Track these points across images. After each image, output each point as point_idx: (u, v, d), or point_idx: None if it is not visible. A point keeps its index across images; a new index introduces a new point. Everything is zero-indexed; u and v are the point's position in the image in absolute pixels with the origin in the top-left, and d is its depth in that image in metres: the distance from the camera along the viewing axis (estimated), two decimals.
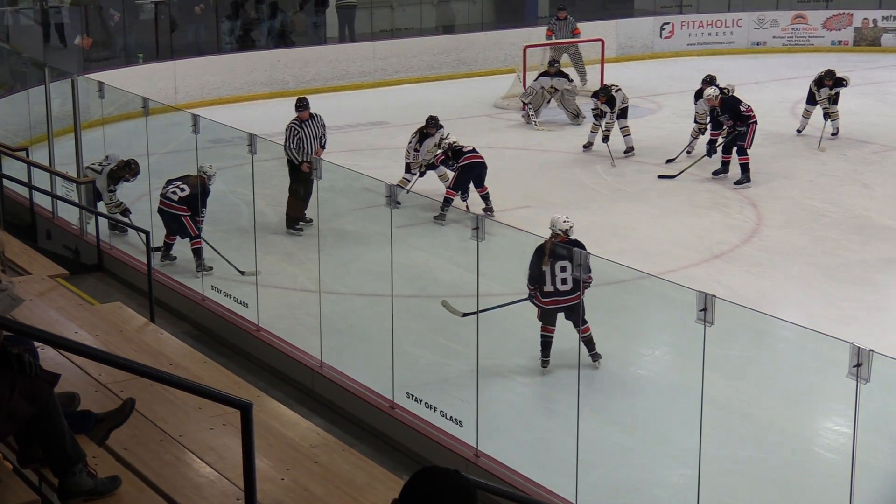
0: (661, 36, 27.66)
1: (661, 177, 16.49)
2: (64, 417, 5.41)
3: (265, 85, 22.74)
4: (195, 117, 12.54)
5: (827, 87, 18.57)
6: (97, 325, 8.62)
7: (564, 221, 10.74)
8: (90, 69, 19.86)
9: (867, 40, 27.31)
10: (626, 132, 18.10)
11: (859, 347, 7.06)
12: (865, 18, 27.32)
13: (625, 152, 18.09)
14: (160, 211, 13.10)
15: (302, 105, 14.66)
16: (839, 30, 27.55)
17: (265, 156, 15.97)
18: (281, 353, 10.93)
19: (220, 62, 23.30)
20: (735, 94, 16.95)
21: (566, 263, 10.12)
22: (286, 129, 14.69)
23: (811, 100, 18.86)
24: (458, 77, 25.18)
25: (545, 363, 10.40)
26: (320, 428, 7.77)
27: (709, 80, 17.99)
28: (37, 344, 5.93)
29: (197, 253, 12.94)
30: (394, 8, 26.85)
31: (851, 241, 14.63)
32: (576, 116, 20.88)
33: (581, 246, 10.16)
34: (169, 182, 13.19)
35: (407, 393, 9.75)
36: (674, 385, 10.35)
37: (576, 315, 10.10)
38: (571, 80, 20.88)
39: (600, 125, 18.00)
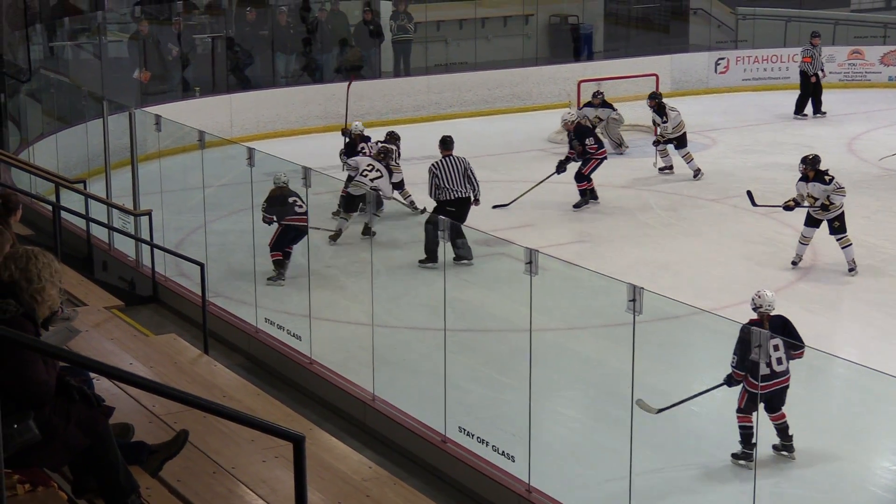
0: (716, 71, 27.44)
1: (494, 207, 16.46)
2: (118, 448, 5.45)
3: (320, 118, 22.82)
4: (250, 150, 12.61)
5: None
6: (151, 357, 8.71)
7: (770, 296, 10.02)
8: (147, 102, 20.04)
9: None
10: (688, 158, 18.34)
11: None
12: None
13: (694, 177, 18.33)
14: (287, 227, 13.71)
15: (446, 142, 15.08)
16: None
17: (320, 189, 16.11)
18: (333, 386, 10.93)
19: (276, 96, 23.44)
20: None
21: (778, 342, 9.55)
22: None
23: None
24: (512, 111, 25.17)
25: (748, 457, 9.54)
26: (372, 461, 7.92)
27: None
28: (92, 375, 5.98)
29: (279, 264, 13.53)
30: (448, 42, 26.93)
31: None
32: (619, 145, 20.90)
33: (787, 321, 9.82)
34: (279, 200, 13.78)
35: (459, 427, 9.71)
36: (728, 421, 10.28)
37: (781, 398, 9.62)
38: (616, 110, 20.90)
39: (664, 149, 18.59)
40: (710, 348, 12.20)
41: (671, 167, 18.82)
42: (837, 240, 13.74)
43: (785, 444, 9.53)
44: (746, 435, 9.53)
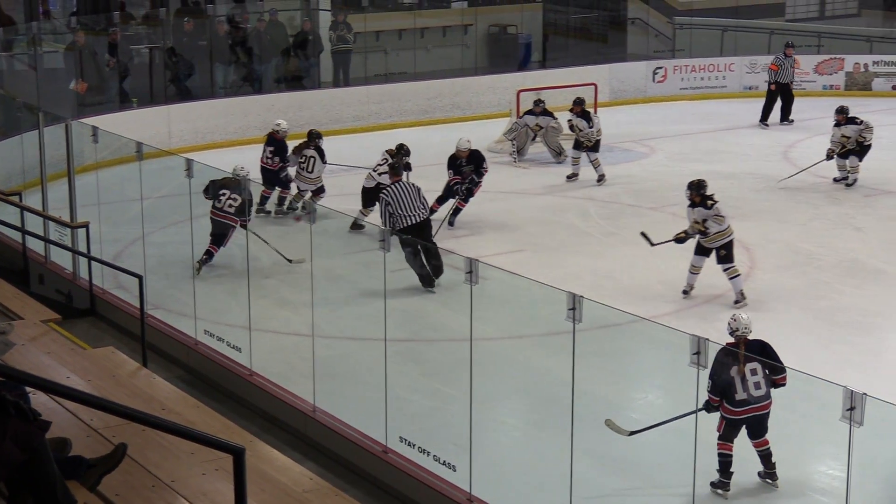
0: (653, 80, 27.70)
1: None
2: (55, 463, 5.39)
3: (259, 129, 22.51)
4: (189, 161, 12.57)
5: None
6: (89, 370, 8.64)
7: (746, 319, 9.75)
8: (84, 114, 19.91)
9: (858, 85, 27.40)
10: (596, 163, 18.73)
11: (852, 391, 7.14)
12: (857, 63, 27.42)
13: (597, 180, 18.67)
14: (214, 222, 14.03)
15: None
16: (830, 74, 27.62)
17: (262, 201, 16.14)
18: (274, 398, 10.92)
19: (214, 106, 23.36)
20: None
21: (756, 366, 9.36)
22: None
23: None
24: (451, 121, 25.22)
25: (726, 487, 9.39)
26: (313, 472, 7.90)
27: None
28: (28, 389, 5.91)
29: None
30: (387, 52, 26.95)
31: (845, 284, 14.70)
32: (558, 154, 21.01)
33: (766, 345, 9.58)
34: (219, 192, 13.96)
35: (400, 437, 9.71)
36: (667, 428, 10.33)
37: (763, 424, 9.44)
38: (556, 118, 20.99)
39: (579, 157, 18.82)
40: (651, 356, 12.32)
41: (577, 175, 19.04)
42: (724, 270, 13.43)
43: (768, 471, 9.45)
44: (725, 463, 9.43)
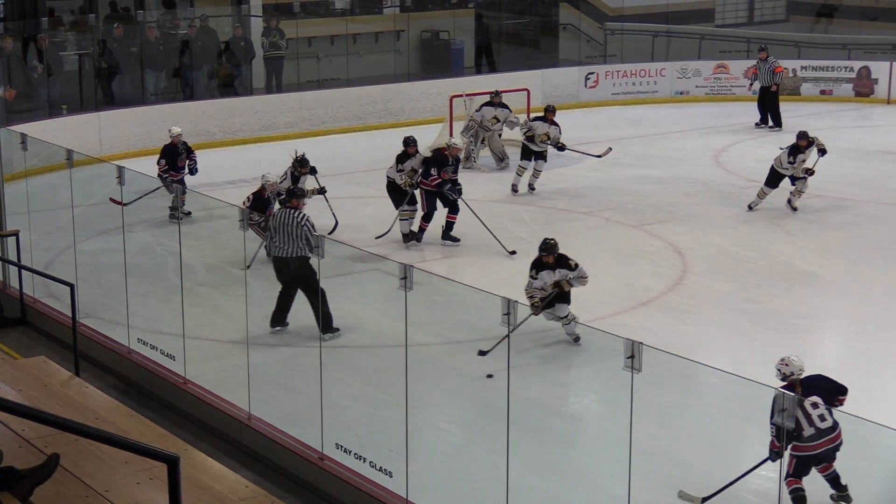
0: (585, 86, 27.89)
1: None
2: None
3: (190, 136, 22.41)
4: (120, 169, 12.51)
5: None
6: (20, 380, 8.58)
7: (798, 361, 9.44)
8: (13, 121, 19.73)
9: (787, 90, 27.61)
10: (538, 174, 18.83)
11: (784, 393, 7.21)
12: (785, 68, 27.67)
13: (529, 188, 18.88)
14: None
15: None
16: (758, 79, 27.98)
17: (192, 207, 16.05)
18: (208, 406, 10.90)
19: (145, 113, 23.23)
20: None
21: (816, 399, 9.13)
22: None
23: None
24: (384, 127, 25.24)
25: None
26: (249, 480, 7.87)
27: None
28: None
29: None
30: (320, 58, 27.01)
31: (776, 287, 14.89)
32: (501, 160, 21.08)
33: (822, 378, 9.43)
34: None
35: (336, 444, 9.73)
36: (603, 433, 10.39)
37: (834, 455, 9.21)
38: (511, 111, 21.06)
39: (526, 167, 18.70)
40: (585, 360, 12.41)
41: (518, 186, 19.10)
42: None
43: (840, 494, 9.34)
44: (799, 497, 9.22)
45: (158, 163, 16.89)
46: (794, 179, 17.54)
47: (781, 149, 17.59)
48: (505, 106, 20.99)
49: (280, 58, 25.76)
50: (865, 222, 18.18)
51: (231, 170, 20.85)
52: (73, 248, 13.93)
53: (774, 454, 8.87)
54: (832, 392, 9.20)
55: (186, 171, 17.20)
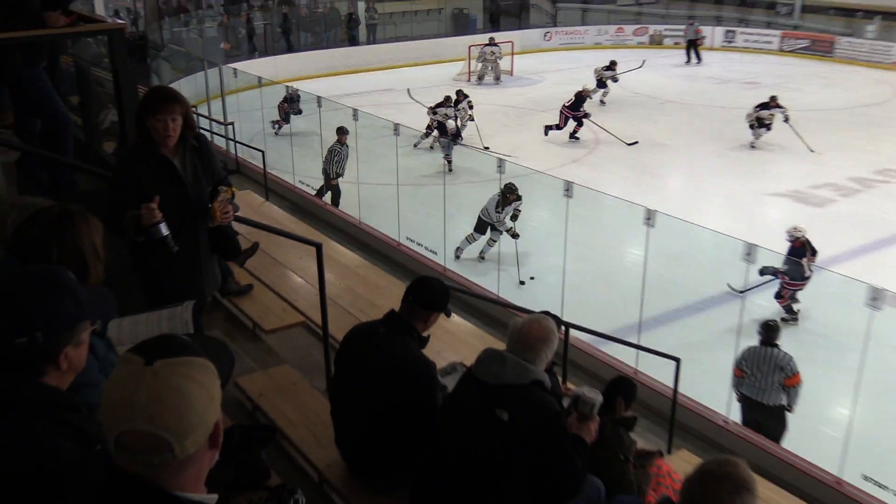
0: (544, 39, 29.22)
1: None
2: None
3: (324, 70, 24.42)
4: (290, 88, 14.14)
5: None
6: (238, 202, 6.95)
7: (803, 227, 9.68)
8: (229, 61, 20.60)
9: (656, 42, 29.47)
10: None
11: (648, 209, 7.86)
12: (655, 29, 29.37)
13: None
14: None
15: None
16: (641, 36, 29.56)
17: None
18: (335, 215, 11.93)
19: (300, 57, 24.65)
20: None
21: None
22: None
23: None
24: (433, 63, 26.57)
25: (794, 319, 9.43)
26: (360, 257, 8.04)
27: None
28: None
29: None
30: (396, 25, 28.07)
31: (638, 150, 16.13)
32: (498, 79, 22.76)
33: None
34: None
35: (407, 237, 10.62)
36: (551, 231, 11.01)
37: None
38: (500, 48, 22.32)
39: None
40: (538, 195, 12.33)
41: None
42: None
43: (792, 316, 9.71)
44: (789, 307, 9.61)
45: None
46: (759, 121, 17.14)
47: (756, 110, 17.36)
48: (496, 45, 22.68)
49: (374, 24, 27.27)
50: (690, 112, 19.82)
51: (357, 87, 22.30)
52: (262, 133, 15.38)
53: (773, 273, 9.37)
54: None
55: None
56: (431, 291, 3.76)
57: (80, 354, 2.16)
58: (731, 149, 17.01)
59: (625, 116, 19.36)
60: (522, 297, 9.67)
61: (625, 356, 8.07)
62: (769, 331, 7.35)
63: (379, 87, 22.00)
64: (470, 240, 11.38)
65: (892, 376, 8.40)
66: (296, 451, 4.40)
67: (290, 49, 25.57)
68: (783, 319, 9.41)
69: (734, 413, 7.62)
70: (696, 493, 2.55)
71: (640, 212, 7.80)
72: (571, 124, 17.61)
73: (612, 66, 20.60)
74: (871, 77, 24.49)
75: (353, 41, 26.69)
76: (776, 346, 7.29)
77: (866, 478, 6.83)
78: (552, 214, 11.40)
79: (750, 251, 7.40)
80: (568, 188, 8.65)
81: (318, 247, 5.11)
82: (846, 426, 6.99)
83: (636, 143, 16.43)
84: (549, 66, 25.76)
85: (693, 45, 26.68)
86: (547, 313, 3.66)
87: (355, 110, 11.73)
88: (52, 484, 1.94)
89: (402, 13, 28.62)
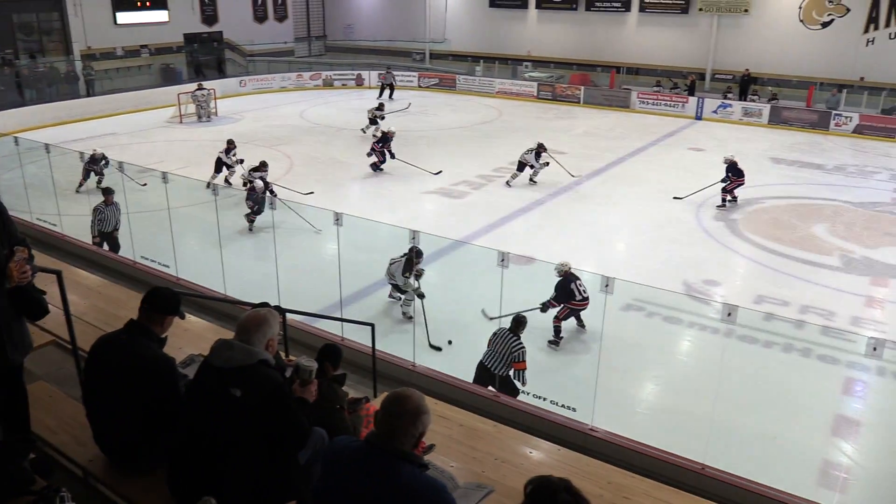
0: (241, 85, 27.20)
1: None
2: None
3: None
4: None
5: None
6: None
7: (567, 262, 8.63)
8: None
9: (329, 84, 28.56)
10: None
11: (336, 213, 7.43)
12: (325, 74, 28.77)
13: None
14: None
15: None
16: (316, 80, 28.71)
17: None
18: (75, 244, 10.41)
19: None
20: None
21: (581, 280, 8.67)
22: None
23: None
24: None
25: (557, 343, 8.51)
26: (101, 278, 7.41)
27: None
28: None
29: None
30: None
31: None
32: (208, 118, 21.15)
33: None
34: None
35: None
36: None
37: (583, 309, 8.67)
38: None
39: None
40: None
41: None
42: None
43: (581, 325, 8.97)
44: (557, 329, 8.72)
45: None
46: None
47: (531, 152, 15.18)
48: (206, 89, 20.91)
49: (92, 79, 24.42)
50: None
51: (83, 132, 19.23)
52: None
53: (547, 307, 8.47)
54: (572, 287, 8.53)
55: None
56: (164, 298, 3.58)
57: None
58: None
59: (313, 142, 19.20)
60: (249, 295, 8.26)
61: (332, 328, 7.87)
62: (517, 323, 7.32)
63: (106, 132, 20.54)
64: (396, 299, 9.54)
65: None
66: (59, 454, 4.07)
67: (23, 103, 23.02)
68: (550, 341, 8.77)
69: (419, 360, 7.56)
70: (381, 417, 2.72)
71: (331, 216, 7.61)
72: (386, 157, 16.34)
73: (381, 107, 20.32)
74: (483, 103, 26.12)
75: (74, 94, 24.37)
76: (518, 336, 7.24)
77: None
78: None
79: (415, 243, 7.34)
80: (272, 201, 9.31)
81: (59, 273, 4.75)
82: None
83: (440, 172, 15.45)
84: (246, 107, 24.93)
85: (390, 87, 26.69)
86: (265, 304, 3.49)
87: (82, 153, 11.45)
88: None
89: (117, 69, 26.57)
